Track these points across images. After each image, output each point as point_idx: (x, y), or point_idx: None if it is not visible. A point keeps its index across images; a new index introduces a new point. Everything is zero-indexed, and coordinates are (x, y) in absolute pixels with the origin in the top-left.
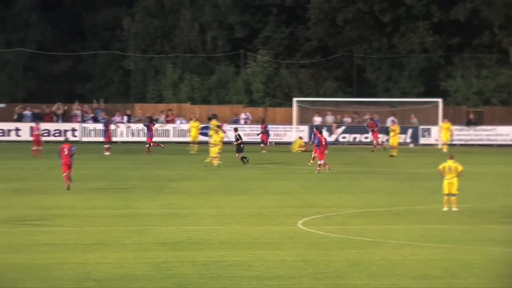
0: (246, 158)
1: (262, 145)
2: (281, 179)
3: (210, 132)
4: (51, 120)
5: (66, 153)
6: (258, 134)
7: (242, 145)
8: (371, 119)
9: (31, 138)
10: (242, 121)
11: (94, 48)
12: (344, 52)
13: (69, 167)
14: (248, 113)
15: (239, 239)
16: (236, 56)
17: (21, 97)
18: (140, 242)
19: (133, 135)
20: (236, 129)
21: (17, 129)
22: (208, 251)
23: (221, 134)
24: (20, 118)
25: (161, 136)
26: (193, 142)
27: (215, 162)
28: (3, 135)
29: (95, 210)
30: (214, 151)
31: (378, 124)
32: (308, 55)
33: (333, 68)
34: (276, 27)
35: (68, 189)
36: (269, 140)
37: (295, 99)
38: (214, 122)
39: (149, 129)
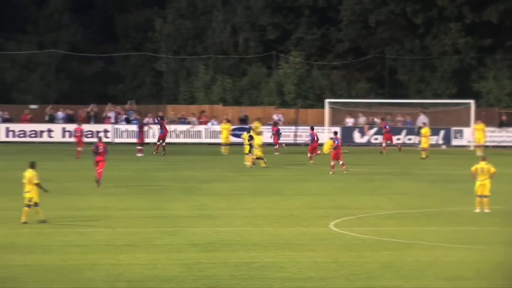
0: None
1: (275, 147)
2: (313, 180)
3: (251, 134)
4: (83, 121)
5: (101, 150)
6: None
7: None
8: (382, 119)
9: (63, 139)
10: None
11: (126, 49)
12: (376, 53)
13: (102, 164)
14: (280, 115)
15: (271, 241)
16: (268, 58)
17: (53, 98)
18: (172, 243)
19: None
20: (248, 130)
21: (49, 130)
22: (240, 252)
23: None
24: (52, 119)
25: (193, 137)
26: (225, 144)
27: (262, 163)
28: (35, 136)
29: (127, 211)
30: (258, 152)
31: (387, 126)
32: (340, 56)
33: (365, 70)
34: (308, 28)
35: (98, 185)
36: (279, 141)
37: (327, 101)
38: (256, 124)
39: (162, 126)
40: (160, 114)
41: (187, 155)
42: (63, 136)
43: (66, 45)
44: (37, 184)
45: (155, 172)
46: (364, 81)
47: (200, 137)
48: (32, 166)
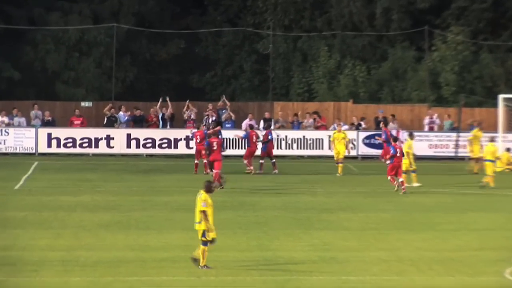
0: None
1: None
2: (481, 209)
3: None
4: (155, 125)
5: (215, 148)
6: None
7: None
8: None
9: (128, 151)
10: (426, 127)
11: (217, 24)
12: None
13: (218, 164)
14: (434, 116)
15: None
16: (418, 35)
17: (114, 92)
18: None
19: (275, 146)
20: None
21: (108, 138)
22: None
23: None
24: (112, 122)
25: (312, 148)
26: (337, 161)
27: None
28: (89, 146)
29: (219, 252)
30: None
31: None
32: None
33: None
34: None
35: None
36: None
37: (501, 96)
38: (477, 133)
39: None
40: (267, 115)
41: (301, 173)
42: (128, 146)
43: (132, 18)
44: (203, 212)
45: (260, 196)
46: None
47: (320, 148)
48: (206, 188)
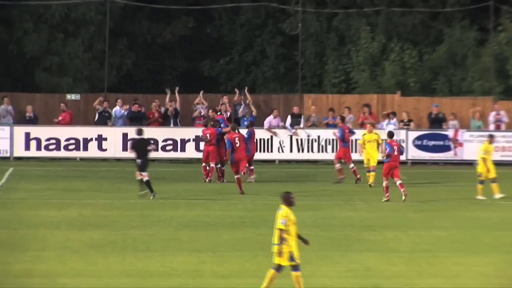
0: None
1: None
2: None
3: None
4: (157, 123)
5: (238, 144)
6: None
7: None
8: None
9: (124, 155)
10: (491, 125)
11: None
12: None
13: (244, 162)
14: (502, 112)
15: None
16: (481, 13)
17: (107, 81)
18: None
19: (305, 149)
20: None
21: (100, 138)
22: None
23: None
24: (104, 119)
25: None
26: (369, 168)
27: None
28: (76, 149)
29: (234, 280)
30: None
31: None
32: None
33: None
34: None
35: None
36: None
37: None
38: None
39: (252, 139)
40: (295, 110)
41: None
42: (125, 149)
43: None
44: (280, 231)
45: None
46: None
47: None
48: (285, 200)
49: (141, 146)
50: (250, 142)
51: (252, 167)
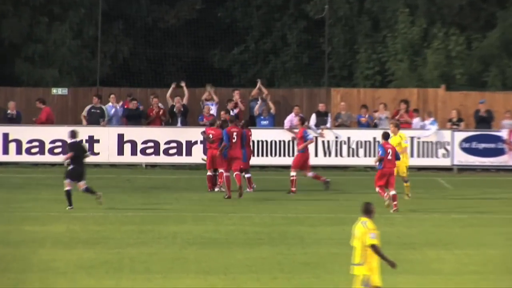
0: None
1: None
2: None
3: None
4: (159, 121)
5: (235, 140)
6: None
7: None
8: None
9: (119, 159)
10: None
11: None
12: None
13: (238, 164)
14: None
15: None
16: None
17: (100, 73)
18: None
19: (333, 153)
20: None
21: (91, 140)
22: None
23: None
24: (96, 117)
25: None
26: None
27: None
28: (63, 153)
29: None
30: None
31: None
32: None
33: None
34: None
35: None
36: None
37: None
38: None
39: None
40: (321, 107)
41: (371, 190)
42: (120, 152)
43: None
44: (374, 248)
45: (307, 225)
46: None
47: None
48: (367, 211)
49: (80, 150)
50: (245, 146)
51: (248, 175)
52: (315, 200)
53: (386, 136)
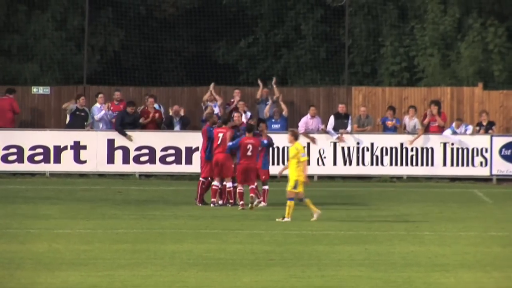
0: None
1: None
2: None
3: None
4: (154, 124)
5: (219, 142)
6: None
7: None
8: None
9: (109, 168)
10: None
11: None
12: None
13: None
14: None
15: None
16: None
17: (87, 69)
18: None
19: (354, 161)
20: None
21: (77, 146)
22: None
23: None
24: (81, 120)
25: (416, 164)
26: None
27: None
28: (45, 161)
29: None
30: None
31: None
32: None
33: None
34: None
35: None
36: None
37: None
38: None
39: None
40: (341, 108)
41: (397, 203)
42: (110, 160)
43: None
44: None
45: (325, 243)
46: None
47: (430, 163)
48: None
49: None
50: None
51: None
52: (333, 215)
53: (250, 129)
